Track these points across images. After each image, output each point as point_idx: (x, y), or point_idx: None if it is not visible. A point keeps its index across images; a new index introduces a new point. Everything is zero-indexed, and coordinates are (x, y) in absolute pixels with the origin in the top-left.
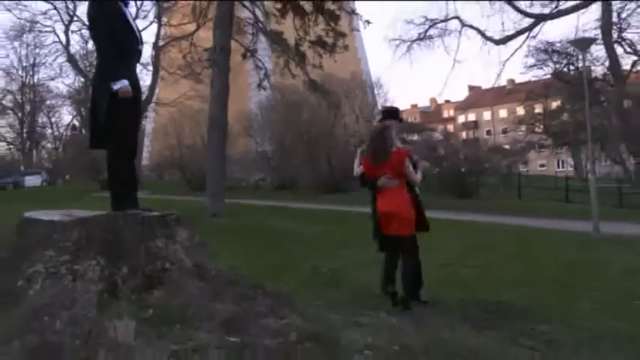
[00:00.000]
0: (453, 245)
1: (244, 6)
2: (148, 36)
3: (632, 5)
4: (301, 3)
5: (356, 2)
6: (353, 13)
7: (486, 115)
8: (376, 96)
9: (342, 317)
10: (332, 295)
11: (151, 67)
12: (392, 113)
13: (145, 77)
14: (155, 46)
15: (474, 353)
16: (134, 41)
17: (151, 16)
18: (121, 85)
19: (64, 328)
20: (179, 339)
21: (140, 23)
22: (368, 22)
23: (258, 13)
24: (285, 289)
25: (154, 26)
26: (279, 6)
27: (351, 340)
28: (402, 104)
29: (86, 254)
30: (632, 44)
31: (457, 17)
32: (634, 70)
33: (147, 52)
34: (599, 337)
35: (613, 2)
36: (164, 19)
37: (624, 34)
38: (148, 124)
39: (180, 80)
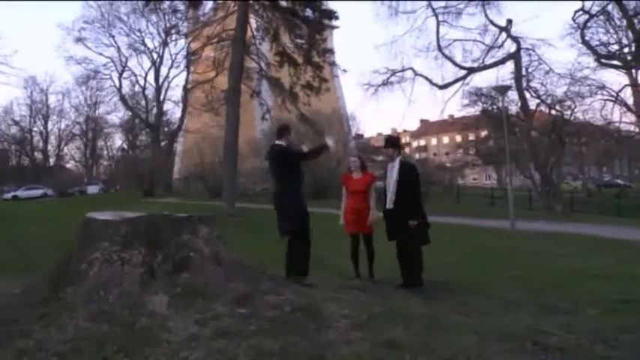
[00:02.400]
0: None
1: (251, 58)
2: (180, 80)
3: (536, 63)
4: (294, 56)
5: (336, 55)
6: (333, 64)
7: (433, 141)
8: (351, 126)
9: (325, 293)
10: (318, 276)
11: (181, 104)
12: (393, 141)
13: (177, 112)
14: (185, 88)
15: (424, 318)
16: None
17: (182, 66)
18: None
19: (115, 300)
20: (201, 310)
21: (173, 72)
22: (345, 70)
23: (262, 64)
24: (283, 272)
25: (184, 73)
26: (278, 58)
27: (331, 311)
28: (370, 132)
29: (131, 245)
30: (536, 91)
31: (411, 68)
32: (538, 109)
33: (178, 92)
34: (514, 303)
35: (522, 60)
36: (192, 68)
37: (531, 84)
38: (179, 146)
39: (203, 114)
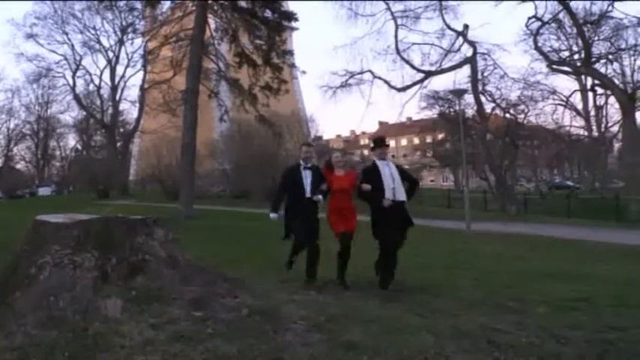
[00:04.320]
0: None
1: (210, 59)
2: (136, 80)
3: (491, 68)
4: (253, 57)
5: (295, 57)
6: (293, 66)
7: (391, 142)
8: (310, 128)
9: (283, 295)
10: (276, 277)
11: (137, 105)
12: (378, 141)
13: (133, 112)
14: (141, 88)
15: (382, 319)
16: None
17: (139, 65)
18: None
19: (67, 305)
20: (156, 314)
21: (129, 71)
22: (304, 72)
23: (221, 64)
24: (242, 273)
25: (141, 73)
26: (236, 59)
27: (289, 313)
28: (329, 134)
29: (84, 248)
30: (491, 95)
31: (370, 70)
32: (493, 113)
33: (135, 92)
34: (470, 303)
35: (478, 64)
36: (149, 68)
37: (486, 87)
38: (135, 147)
39: (160, 114)
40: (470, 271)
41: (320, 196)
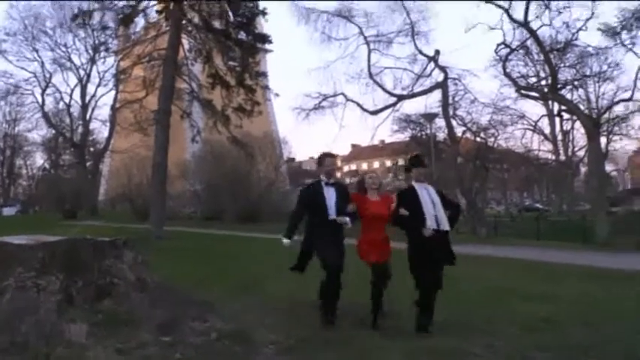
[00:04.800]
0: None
1: (183, 79)
2: (108, 99)
3: (462, 92)
4: (227, 79)
5: (269, 79)
6: (266, 87)
7: (364, 165)
8: (282, 149)
9: (253, 318)
10: (247, 299)
11: (108, 124)
12: (415, 161)
13: (104, 131)
14: (113, 107)
15: (350, 341)
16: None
17: (110, 84)
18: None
19: (30, 330)
20: (124, 338)
21: (101, 90)
22: (277, 94)
23: (194, 85)
24: (212, 296)
25: (113, 92)
26: (210, 80)
27: (259, 336)
28: (302, 156)
29: (48, 271)
30: (462, 119)
31: (342, 93)
32: (464, 136)
33: (106, 111)
34: (441, 325)
35: (449, 89)
36: (121, 87)
37: (457, 112)
38: (105, 167)
39: (131, 134)
40: (441, 293)
41: (347, 219)
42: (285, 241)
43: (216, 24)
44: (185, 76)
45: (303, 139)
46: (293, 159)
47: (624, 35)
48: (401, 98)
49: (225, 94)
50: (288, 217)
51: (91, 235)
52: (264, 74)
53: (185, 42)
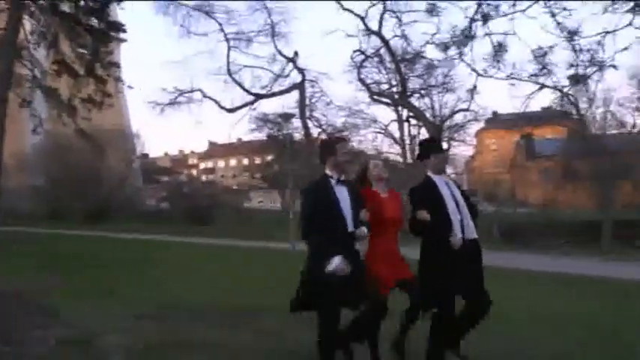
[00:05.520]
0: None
1: (24, 64)
2: None
3: (318, 94)
4: (75, 67)
5: (122, 70)
6: (119, 79)
7: (221, 163)
8: (136, 144)
9: (99, 324)
10: (102, 304)
11: None
12: (434, 145)
13: None
14: None
15: (208, 345)
16: None
17: None
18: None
19: None
20: None
21: None
22: (130, 87)
23: (37, 71)
24: (56, 302)
25: None
26: (55, 67)
27: (106, 342)
28: (157, 152)
29: None
30: (318, 120)
31: (200, 90)
32: (319, 137)
33: None
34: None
35: (307, 91)
36: None
37: (313, 113)
38: None
39: None
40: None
41: (365, 229)
42: (335, 262)
43: (65, 7)
44: (27, 60)
45: (158, 134)
46: (147, 155)
47: (453, 51)
48: (259, 97)
49: (73, 83)
50: (308, 236)
51: None
52: (116, 65)
53: (27, 23)
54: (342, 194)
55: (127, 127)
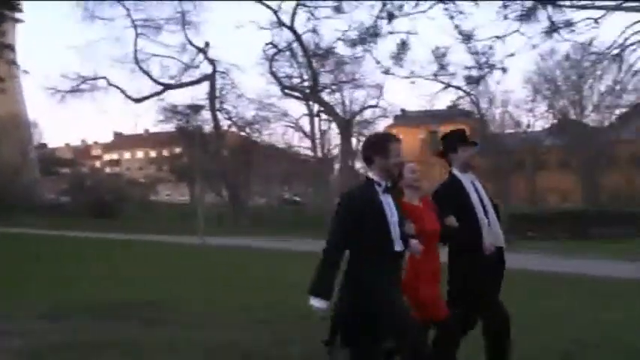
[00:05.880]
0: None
1: None
2: None
3: (229, 86)
4: None
5: (17, 53)
6: (13, 63)
7: (127, 155)
8: (32, 134)
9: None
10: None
11: None
12: (461, 135)
13: None
14: None
15: (116, 341)
16: None
17: None
18: None
19: None
20: None
21: None
22: (26, 71)
23: None
24: None
25: None
26: None
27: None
28: (57, 142)
29: None
30: (228, 112)
31: (105, 77)
32: (229, 130)
33: None
34: (214, 315)
35: (217, 82)
36: None
37: (224, 105)
38: None
39: None
40: (206, 282)
41: (417, 247)
42: (318, 303)
43: None
44: None
45: (59, 123)
46: (45, 145)
47: (359, 48)
48: (167, 87)
49: None
50: (340, 253)
51: None
52: (10, 47)
53: None
54: (390, 205)
55: (23, 115)
